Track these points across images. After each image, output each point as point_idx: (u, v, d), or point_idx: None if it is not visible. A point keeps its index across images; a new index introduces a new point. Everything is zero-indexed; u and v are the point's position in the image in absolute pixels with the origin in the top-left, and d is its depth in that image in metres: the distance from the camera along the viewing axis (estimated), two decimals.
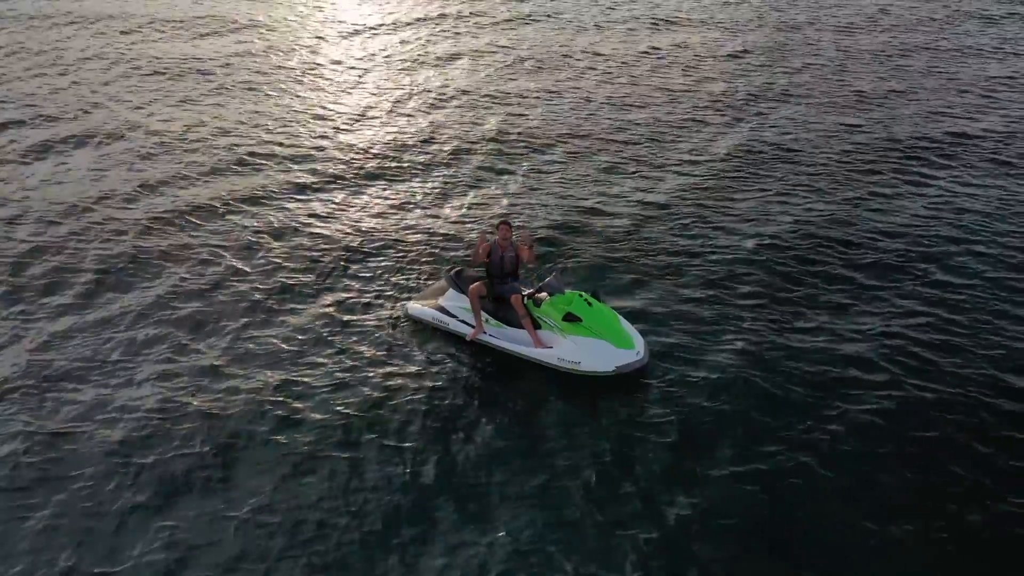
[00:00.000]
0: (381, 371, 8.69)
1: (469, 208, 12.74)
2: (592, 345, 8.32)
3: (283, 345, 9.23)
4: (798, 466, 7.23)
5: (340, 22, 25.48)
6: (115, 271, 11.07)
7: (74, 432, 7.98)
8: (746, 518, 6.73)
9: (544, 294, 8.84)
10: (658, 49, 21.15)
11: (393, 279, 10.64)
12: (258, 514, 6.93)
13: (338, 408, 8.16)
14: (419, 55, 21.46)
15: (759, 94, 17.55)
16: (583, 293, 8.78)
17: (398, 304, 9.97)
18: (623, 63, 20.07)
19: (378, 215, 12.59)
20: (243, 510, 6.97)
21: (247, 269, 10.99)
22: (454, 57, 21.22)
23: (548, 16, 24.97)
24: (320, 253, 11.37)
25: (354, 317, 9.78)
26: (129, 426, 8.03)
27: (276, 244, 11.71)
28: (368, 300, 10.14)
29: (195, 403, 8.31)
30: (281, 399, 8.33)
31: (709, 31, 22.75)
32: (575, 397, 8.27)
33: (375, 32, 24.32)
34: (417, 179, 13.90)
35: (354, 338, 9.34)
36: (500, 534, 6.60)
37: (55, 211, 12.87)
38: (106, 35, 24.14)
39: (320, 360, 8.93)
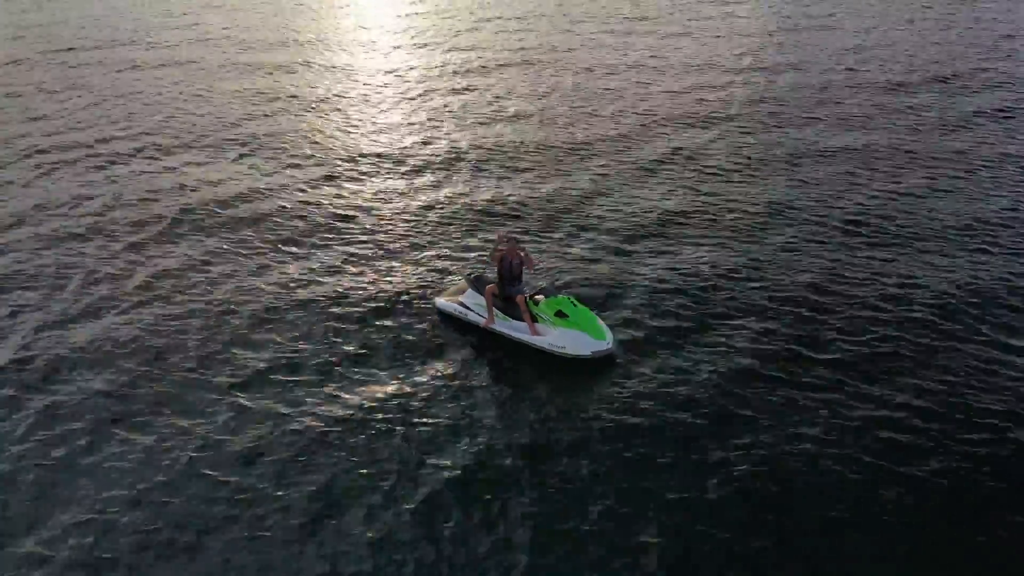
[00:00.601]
0: (410, 351, 11.67)
1: (486, 225, 15.74)
2: (575, 336, 11.19)
3: (325, 325, 12.30)
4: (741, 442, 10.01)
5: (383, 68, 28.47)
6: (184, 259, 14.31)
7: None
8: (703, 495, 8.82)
9: (541, 296, 11.70)
10: (651, 89, 24.17)
11: (423, 280, 13.59)
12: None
13: (366, 378, 11.12)
14: (440, 88, 24.40)
15: (739, 151, 20.50)
16: (570, 297, 11.61)
17: (428, 298, 12.95)
18: (620, 107, 23.10)
19: (410, 228, 15.61)
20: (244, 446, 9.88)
21: (303, 267, 14.07)
22: (471, 91, 24.17)
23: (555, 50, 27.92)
24: (363, 256, 14.38)
25: (391, 308, 12.73)
26: (171, 387, 11.08)
27: (323, 249, 14.68)
28: (404, 295, 13.13)
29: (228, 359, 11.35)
30: (316, 362, 11.38)
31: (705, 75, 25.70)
32: (559, 376, 11.14)
33: (411, 70, 27.25)
34: (446, 200, 16.96)
35: (389, 323, 12.31)
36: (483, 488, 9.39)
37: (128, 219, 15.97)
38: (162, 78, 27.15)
39: (358, 340, 11.91)
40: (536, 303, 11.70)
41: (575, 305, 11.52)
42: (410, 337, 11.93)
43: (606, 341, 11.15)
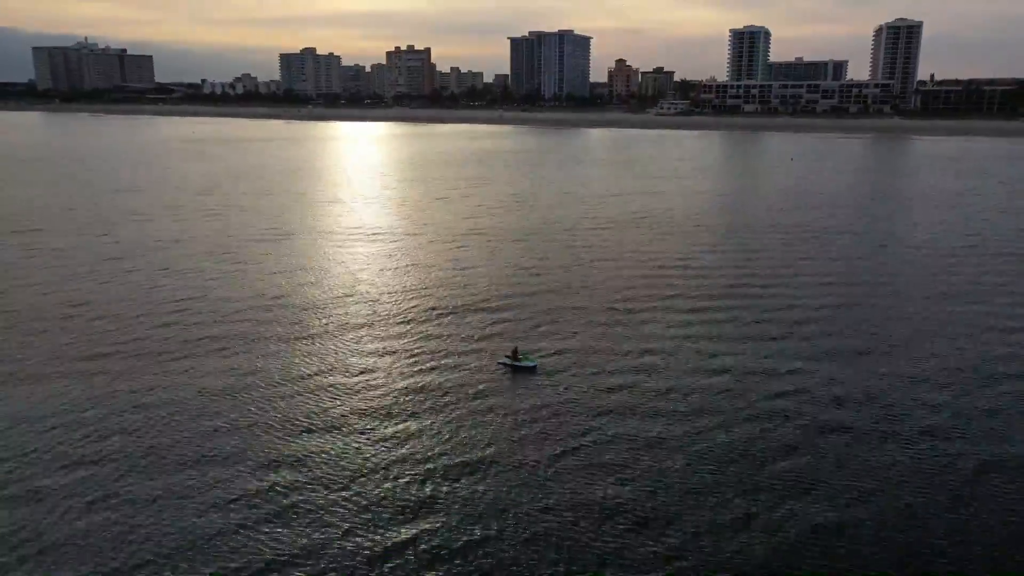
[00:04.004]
0: (475, 377, 41.28)
1: (513, 329, 47.63)
2: (528, 363, 41.81)
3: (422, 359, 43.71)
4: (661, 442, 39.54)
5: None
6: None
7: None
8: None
9: (520, 355, 46.16)
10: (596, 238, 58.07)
11: (491, 350, 45.07)
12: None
13: (427, 400, 40.24)
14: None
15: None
16: (526, 354, 44.56)
17: (495, 358, 43.68)
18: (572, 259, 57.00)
19: (475, 338, 47.89)
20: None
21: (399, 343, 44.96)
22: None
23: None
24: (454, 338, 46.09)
25: (471, 363, 43.48)
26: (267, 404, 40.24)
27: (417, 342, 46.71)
28: (480, 357, 44.02)
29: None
30: (385, 379, 40.80)
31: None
32: (529, 392, 40.76)
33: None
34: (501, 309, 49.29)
35: (471, 366, 42.95)
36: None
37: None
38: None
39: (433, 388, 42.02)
40: (520, 356, 45.43)
41: (527, 355, 44.35)
42: (480, 374, 41.75)
43: (535, 364, 44.18)
